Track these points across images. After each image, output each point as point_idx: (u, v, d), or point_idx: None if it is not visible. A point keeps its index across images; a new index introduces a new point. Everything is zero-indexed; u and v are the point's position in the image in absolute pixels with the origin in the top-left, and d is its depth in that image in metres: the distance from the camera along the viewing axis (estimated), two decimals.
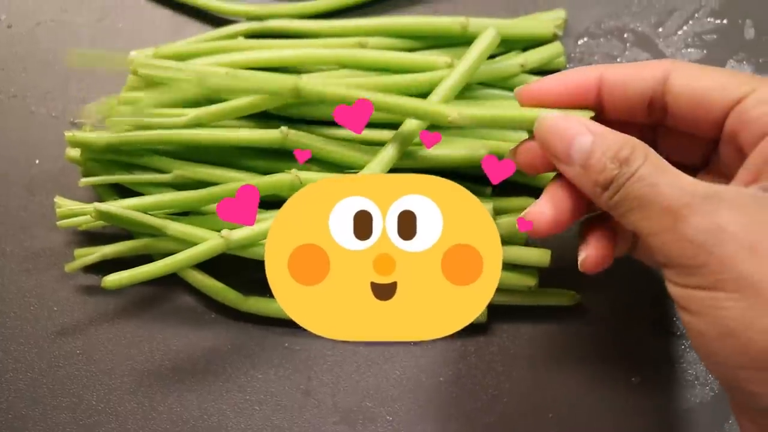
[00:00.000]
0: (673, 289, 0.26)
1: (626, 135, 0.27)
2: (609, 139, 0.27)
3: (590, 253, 0.30)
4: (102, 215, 0.34)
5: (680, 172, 0.26)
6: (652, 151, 0.27)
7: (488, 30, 0.36)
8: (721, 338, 0.24)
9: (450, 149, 0.36)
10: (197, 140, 0.36)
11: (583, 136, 0.27)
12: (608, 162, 0.26)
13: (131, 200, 0.35)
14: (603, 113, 0.30)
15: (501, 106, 0.35)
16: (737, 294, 0.23)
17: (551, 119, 0.28)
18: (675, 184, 0.25)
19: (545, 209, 0.29)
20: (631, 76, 0.29)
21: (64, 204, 0.38)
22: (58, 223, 0.37)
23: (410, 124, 0.35)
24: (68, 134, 0.37)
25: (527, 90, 0.30)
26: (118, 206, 0.35)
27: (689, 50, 0.42)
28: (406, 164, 0.36)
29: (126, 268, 0.37)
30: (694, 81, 0.28)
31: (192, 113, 0.36)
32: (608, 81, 0.29)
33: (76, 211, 0.37)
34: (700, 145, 0.31)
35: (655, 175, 0.26)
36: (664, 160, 0.26)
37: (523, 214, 0.30)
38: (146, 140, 0.36)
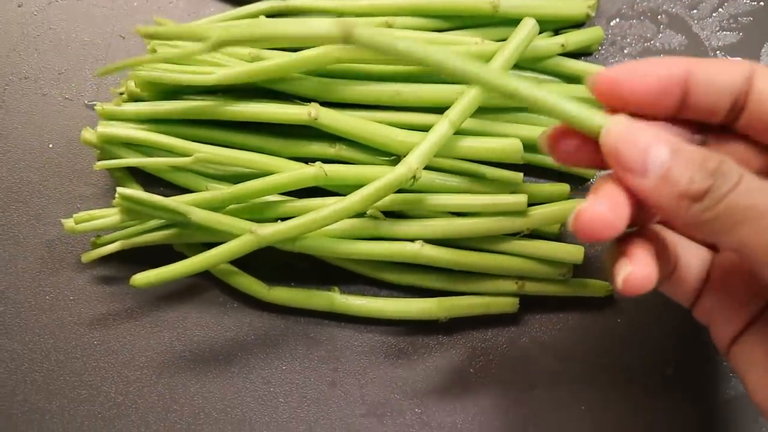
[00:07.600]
0: None
1: (701, 147, 0.24)
2: (688, 149, 0.24)
3: (637, 270, 0.25)
4: (126, 199, 0.33)
5: None
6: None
7: (526, 20, 0.34)
8: None
9: (487, 142, 0.35)
10: (224, 113, 0.35)
11: (659, 144, 0.24)
12: (696, 172, 0.23)
13: (150, 196, 0.33)
14: (679, 112, 0.27)
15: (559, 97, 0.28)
16: None
17: (622, 127, 0.24)
18: None
19: (603, 209, 0.24)
20: (721, 72, 0.25)
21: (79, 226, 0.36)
22: (83, 259, 0.36)
23: (457, 111, 0.33)
24: (99, 107, 0.36)
25: (604, 82, 0.26)
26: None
27: (724, 33, 0.41)
28: (444, 153, 0.35)
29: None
30: None
31: (220, 72, 0.35)
32: (697, 77, 0.26)
33: (102, 251, 0.36)
34: (764, 154, 0.27)
35: (764, 185, 0.23)
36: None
37: (575, 212, 0.25)
38: (180, 109, 0.36)
